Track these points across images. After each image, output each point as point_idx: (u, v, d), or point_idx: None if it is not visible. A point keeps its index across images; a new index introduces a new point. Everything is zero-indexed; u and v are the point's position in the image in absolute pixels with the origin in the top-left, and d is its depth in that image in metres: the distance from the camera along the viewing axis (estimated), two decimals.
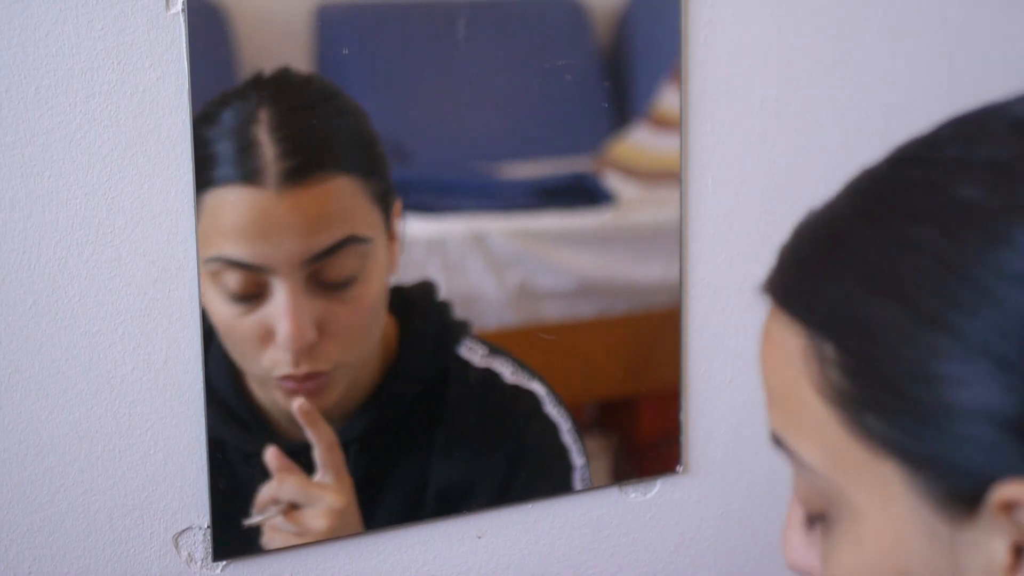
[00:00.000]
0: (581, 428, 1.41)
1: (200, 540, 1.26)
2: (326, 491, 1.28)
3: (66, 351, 1.19)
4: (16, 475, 1.19)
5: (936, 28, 1.58)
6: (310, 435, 1.26)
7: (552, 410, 1.39)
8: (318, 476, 1.28)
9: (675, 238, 1.44)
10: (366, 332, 1.29)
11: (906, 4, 1.56)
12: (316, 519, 1.28)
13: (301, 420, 1.25)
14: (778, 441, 0.62)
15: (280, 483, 1.26)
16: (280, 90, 1.22)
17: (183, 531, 1.25)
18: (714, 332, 1.49)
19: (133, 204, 1.19)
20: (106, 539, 1.23)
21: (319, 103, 1.24)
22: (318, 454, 1.27)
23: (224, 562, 1.27)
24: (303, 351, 1.24)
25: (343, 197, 1.24)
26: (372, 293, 1.27)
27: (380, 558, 1.35)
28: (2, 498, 1.19)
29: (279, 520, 1.27)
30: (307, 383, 1.25)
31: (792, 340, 0.60)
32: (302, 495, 1.27)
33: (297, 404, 1.25)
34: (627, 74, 1.43)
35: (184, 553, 1.26)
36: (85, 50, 1.15)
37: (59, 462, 1.20)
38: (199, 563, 1.26)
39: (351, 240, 1.25)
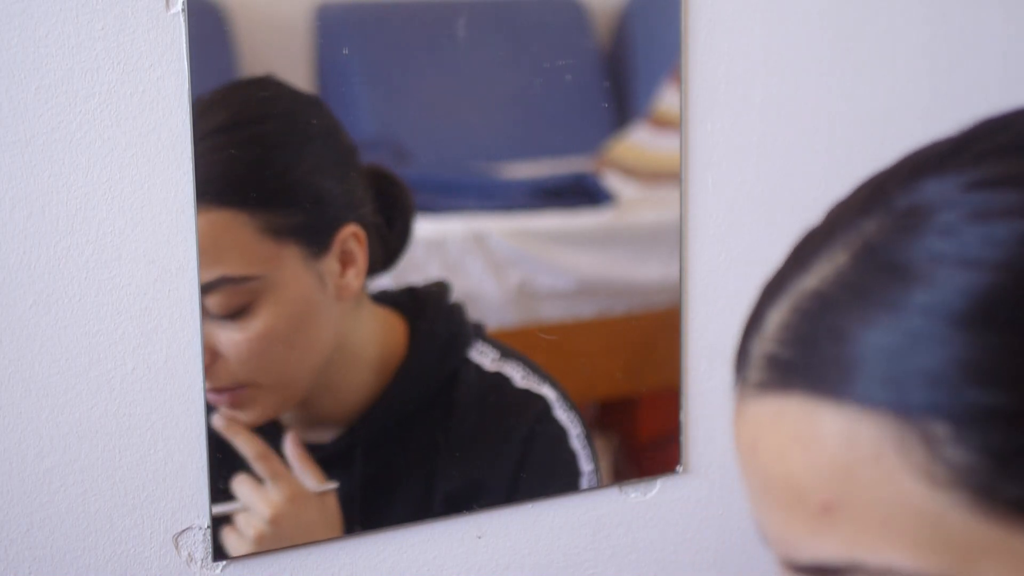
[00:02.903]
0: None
1: (200, 540, 1.26)
2: (262, 501, 1.27)
3: (66, 351, 1.19)
4: (16, 475, 1.19)
5: (936, 28, 1.58)
6: (238, 447, 1.25)
7: (562, 415, 1.39)
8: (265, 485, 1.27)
9: (675, 238, 1.44)
10: (271, 357, 1.25)
11: (906, 4, 1.56)
12: (248, 527, 1.27)
13: (223, 433, 1.25)
14: (845, 570, 0.52)
15: (238, 484, 1.26)
16: (211, 109, 1.20)
17: (183, 531, 1.25)
18: (714, 332, 1.49)
19: (133, 204, 1.19)
20: (106, 539, 1.23)
21: (231, 128, 1.21)
22: (251, 465, 1.27)
23: (224, 562, 1.27)
24: (208, 369, 1.23)
25: (217, 233, 1.21)
26: (268, 324, 1.23)
27: (380, 558, 1.35)
28: (2, 498, 1.19)
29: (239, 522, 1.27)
30: (220, 396, 1.24)
31: (866, 433, 0.50)
32: (247, 499, 1.27)
33: (216, 418, 1.24)
34: (627, 74, 1.43)
35: (184, 553, 1.26)
36: (85, 50, 1.15)
37: (59, 462, 1.20)
38: (199, 563, 1.26)
39: (224, 281, 1.22)
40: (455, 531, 1.38)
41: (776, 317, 0.54)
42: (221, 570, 1.27)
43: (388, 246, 1.31)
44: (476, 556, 1.40)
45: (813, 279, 0.54)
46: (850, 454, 0.50)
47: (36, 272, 1.17)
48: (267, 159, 1.23)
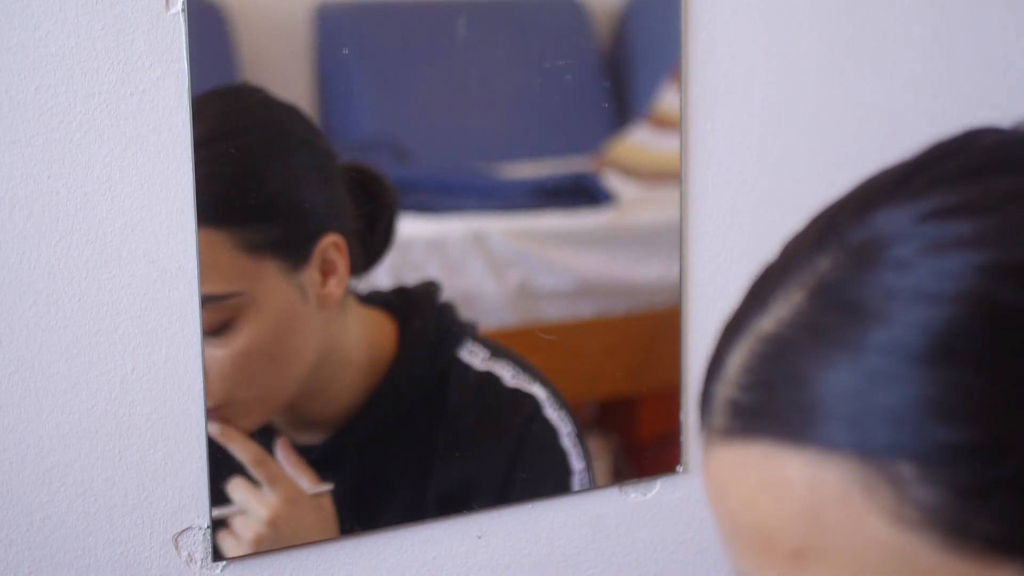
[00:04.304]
0: (582, 429, 1.41)
1: (200, 540, 1.26)
2: (259, 503, 1.27)
3: (66, 351, 1.19)
4: (16, 475, 1.19)
5: (936, 28, 1.58)
6: (234, 453, 1.25)
7: (552, 414, 1.39)
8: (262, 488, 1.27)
9: (675, 238, 1.44)
10: (253, 372, 1.25)
11: (906, 4, 1.56)
12: (246, 530, 1.27)
13: (218, 440, 1.25)
14: None
15: (234, 488, 1.26)
16: (196, 123, 1.20)
17: (183, 531, 1.25)
18: (714, 332, 1.48)
19: (133, 204, 1.19)
20: (106, 539, 1.23)
21: (204, 145, 1.20)
22: (248, 471, 1.26)
23: (224, 562, 1.27)
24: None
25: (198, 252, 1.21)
26: (250, 339, 1.23)
27: (380, 558, 1.35)
28: (2, 498, 1.19)
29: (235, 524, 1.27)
30: (213, 414, 1.24)
31: (830, 477, 0.49)
32: (244, 502, 1.27)
33: (211, 424, 1.24)
34: (627, 74, 1.43)
35: (184, 553, 1.26)
36: (85, 50, 1.15)
37: (59, 462, 1.20)
38: (199, 563, 1.26)
39: (204, 299, 1.22)
40: (455, 531, 1.38)
41: (736, 360, 0.54)
42: (221, 570, 1.27)
43: (370, 247, 1.30)
44: (476, 556, 1.40)
45: (770, 320, 0.53)
46: (816, 499, 0.50)
47: (36, 272, 1.17)
48: (243, 175, 1.22)
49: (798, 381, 0.51)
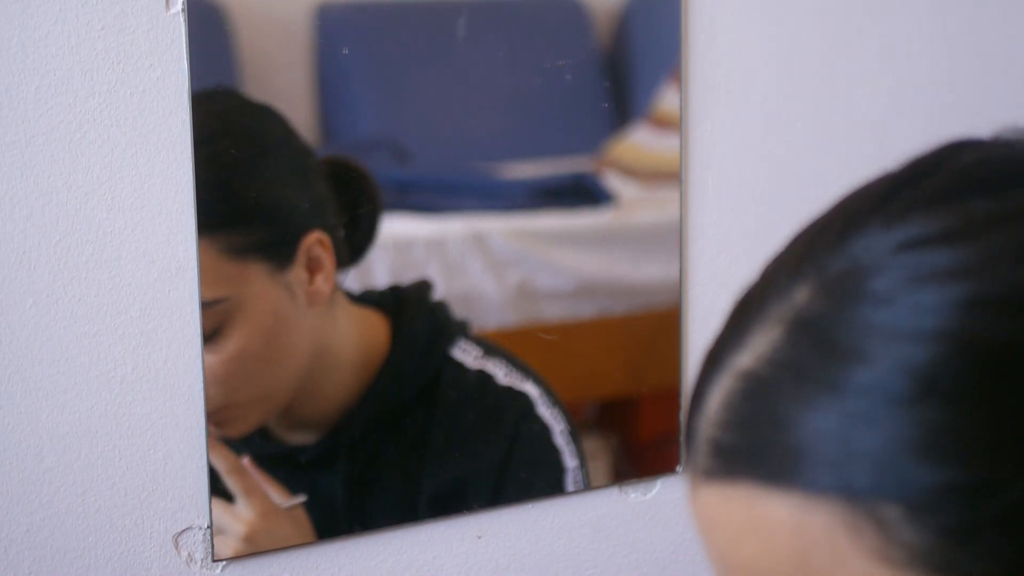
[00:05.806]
0: (580, 428, 1.41)
1: (200, 540, 1.26)
2: (234, 519, 1.27)
3: (66, 351, 1.19)
4: (16, 475, 1.19)
5: (937, 28, 1.58)
6: (211, 461, 1.25)
7: (545, 412, 1.38)
8: (236, 501, 1.27)
9: (675, 238, 1.44)
10: (248, 375, 1.26)
11: (906, 4, 1.56)
12: (225, 549, 1.27)
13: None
14: None
15: (215, 507, 1.26)
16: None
17: (183, 531, 1.25)
18: (714, 332, 1.49)
19: (133, 204, 1.19)
20: (106, 539, 1.23)
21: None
22: (224, 480, 1.26)
23: (224, 562, 1.27)
24: None
25: None
26: (241, 343, 1.23)
27: (380, 558, 1.35)
28: (2, 498, 1.19)
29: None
30: (210, 418, 1.24)
31: (816, 520, 0.49)
32: (219, 521, 1.26)
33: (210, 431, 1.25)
34: (627, 74, 1.43)
35: (184, 553, 1.26)
36: (85, 50, 1.15)
37: (59, 462, 1.20)
38: (199, 563, 1.26)
39: None
40: (454, 531, 1.38)
41: (716, 397, 0.53)
42: (221, 570, 1.27)
43: (355, 241, 1.30)
44: (476, 556, 1.40)
45: (748, 356, 0.52)
46: (802, 542, 0.49)
47: (36, 272, 1.17)
48: (221, 180, 1.22)
49: (779, 423, 0.50)
